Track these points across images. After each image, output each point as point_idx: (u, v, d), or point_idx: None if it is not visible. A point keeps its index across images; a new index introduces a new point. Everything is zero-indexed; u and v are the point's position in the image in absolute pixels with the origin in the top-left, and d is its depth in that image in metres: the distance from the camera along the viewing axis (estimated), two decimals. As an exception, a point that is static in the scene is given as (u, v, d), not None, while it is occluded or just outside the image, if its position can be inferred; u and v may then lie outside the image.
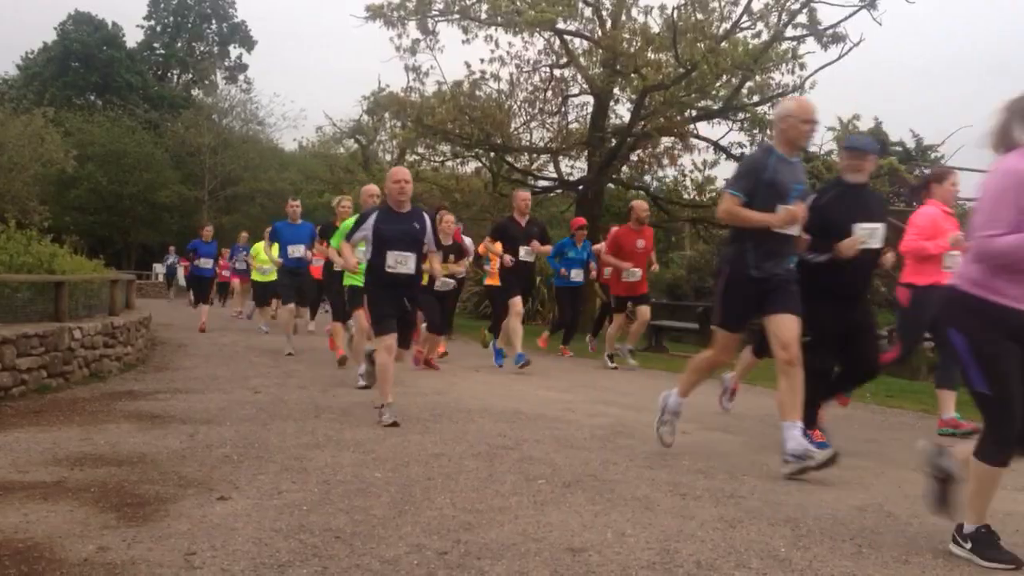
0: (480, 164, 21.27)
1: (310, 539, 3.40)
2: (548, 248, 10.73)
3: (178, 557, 3.16)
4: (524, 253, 10.15)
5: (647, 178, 20.27)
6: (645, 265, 10.83)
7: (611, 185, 19.97)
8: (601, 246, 11.71)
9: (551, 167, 20.92)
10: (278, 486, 4.22)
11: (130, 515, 3.66)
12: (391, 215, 6.46)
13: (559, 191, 21.44)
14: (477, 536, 3.51)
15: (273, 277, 12.96)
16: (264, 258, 13.44)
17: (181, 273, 25.90)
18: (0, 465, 4.50)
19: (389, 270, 6.33)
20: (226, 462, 4.71)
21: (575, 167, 20.87)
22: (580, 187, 19.06)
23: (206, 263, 16.01)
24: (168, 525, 3.53)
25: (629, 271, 10.51)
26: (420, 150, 21.57)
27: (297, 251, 10.88)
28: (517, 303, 10.02)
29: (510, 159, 20.31)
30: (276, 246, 11.21)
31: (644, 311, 10.91)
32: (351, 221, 7.35)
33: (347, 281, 8.79)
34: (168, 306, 19.47)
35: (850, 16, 15.54)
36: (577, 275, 11.86)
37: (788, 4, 15.93)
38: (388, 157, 29.74)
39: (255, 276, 15.66)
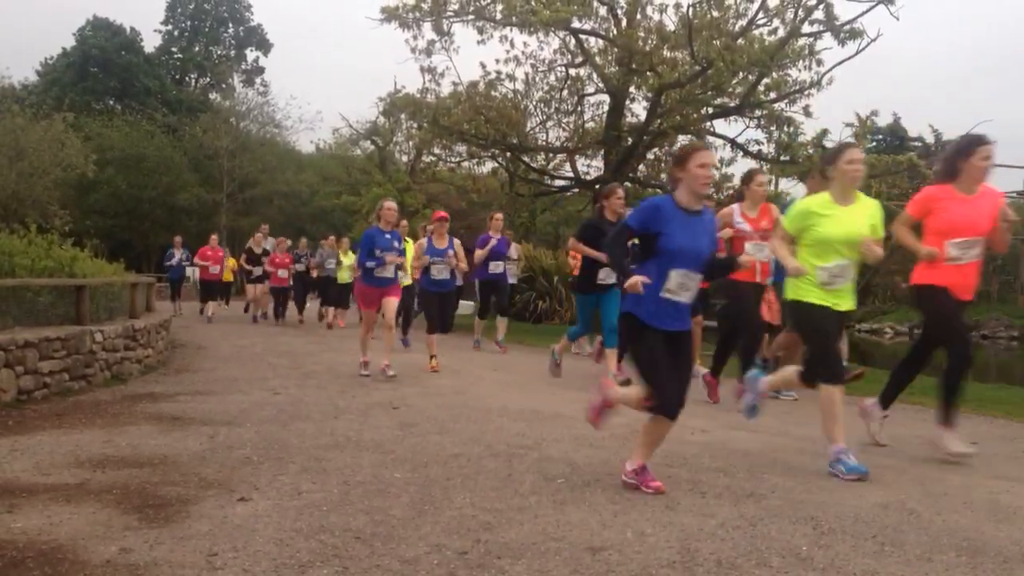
0: (496, 164, 21.28)
1: (330, 539, 3.41)
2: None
3: (200, 558, 3.18)
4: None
5: (664, 176, 20.18)
6: None
7: (628, 184, 19.89)
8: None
9: (567, 166, 20.92)
10: (298, 487, 4.23)
11: (152, 516, 3.69)
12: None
13: (575, 190, 21.47)
14: (497, 536, 3.51)
15: None
16: None
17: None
18: (24, 468, 4.55)
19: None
20: (246, 463, 4.74)
21: (591, 166, 20.87)
22: (596, 186, 19.03)
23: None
24: (189, 526, 3.56)
25: None
26: (436, 151, 21.63)
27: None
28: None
29: (526, 159, 20.32)
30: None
31: None
32: None
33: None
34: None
35: (867, 11, 15.44)
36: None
37: (804, 0, 15.83)
38: (404, 158, 29.87)
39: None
